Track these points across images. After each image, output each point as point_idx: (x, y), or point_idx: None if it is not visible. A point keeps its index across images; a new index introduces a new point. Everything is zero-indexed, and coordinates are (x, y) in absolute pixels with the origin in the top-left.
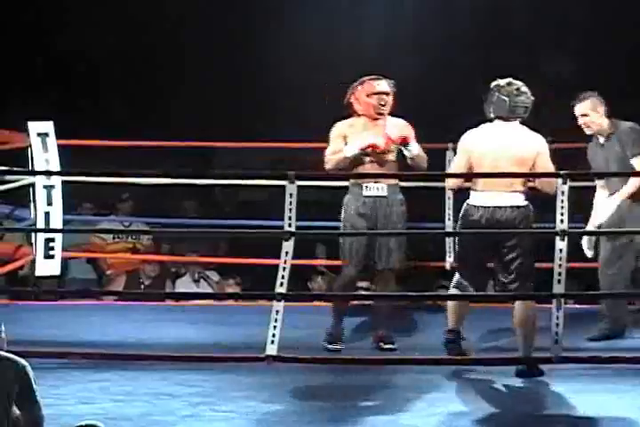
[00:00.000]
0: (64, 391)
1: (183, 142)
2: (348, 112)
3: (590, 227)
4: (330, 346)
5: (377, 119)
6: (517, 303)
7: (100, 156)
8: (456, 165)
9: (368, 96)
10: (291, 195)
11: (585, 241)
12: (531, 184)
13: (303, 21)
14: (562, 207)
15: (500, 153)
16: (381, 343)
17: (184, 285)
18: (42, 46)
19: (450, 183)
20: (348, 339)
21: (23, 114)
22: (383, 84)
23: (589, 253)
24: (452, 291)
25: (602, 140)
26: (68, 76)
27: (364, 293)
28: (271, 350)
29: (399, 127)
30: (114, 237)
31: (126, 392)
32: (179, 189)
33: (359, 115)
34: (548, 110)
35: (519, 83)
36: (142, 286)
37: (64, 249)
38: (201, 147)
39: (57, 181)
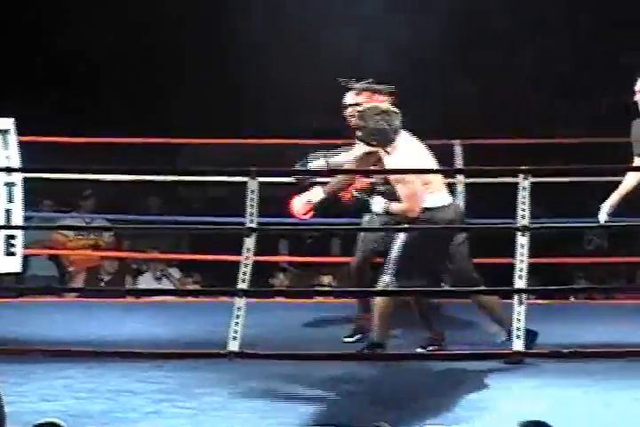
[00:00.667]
0: (26, 389)
1: (149, 139)
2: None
3: None
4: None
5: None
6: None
7: (77, 154)
8: None
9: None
10: (252, 191)
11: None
12: None
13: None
14: (523, 203)
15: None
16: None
17: (146, 281)
18: (42, 46)
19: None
20: (317, 333)
21: (22, 114)
22: (345, 97)
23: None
24: None
25: None
26: (68, 76)
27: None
28: (233, 346)
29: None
30: (76, 234)
31: (89, 389)
32: (143, 186)
33: None
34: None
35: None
36: (102, 283)
37: (25, 246)
38: (166, 143)
39: (18, 178)
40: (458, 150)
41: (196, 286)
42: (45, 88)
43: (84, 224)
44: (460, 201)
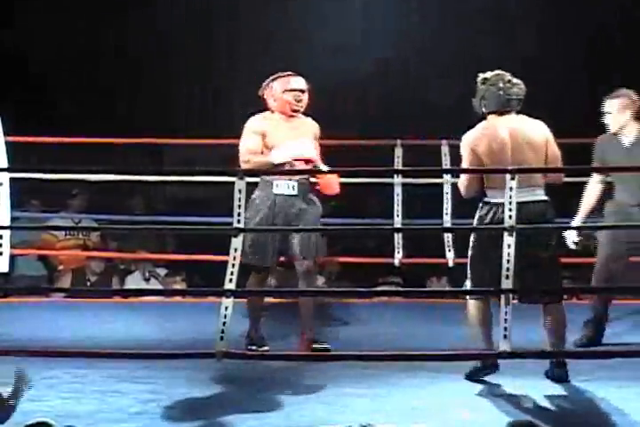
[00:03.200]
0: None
1: (133, 139)
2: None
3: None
4: (253, 348)
5: (291, 116)
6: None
7: (46, 154)
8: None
9: (283, 92)
10: (240, 191)
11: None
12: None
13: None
14: (510, 203)
15: (513, 147)
16: (315, 345)
17: (134, 281)
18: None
19: (467, 187)
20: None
21: None
22: (299, 81)
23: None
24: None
25: (626, 141)
26: (18, 74)
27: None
28: (220, 346)
29: (309, 128)
30: (65, 234)
31: (75, 390)
32: (129, 186)
33: (272, 111)
34: None
35: (507, 74)
36: (88, 283)
37: (12, 246)
38: (151, 143)
39: (5, 178)
40: (445, 150)
41: (182, 284)
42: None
43: (73, 224)
44: (448, 201)
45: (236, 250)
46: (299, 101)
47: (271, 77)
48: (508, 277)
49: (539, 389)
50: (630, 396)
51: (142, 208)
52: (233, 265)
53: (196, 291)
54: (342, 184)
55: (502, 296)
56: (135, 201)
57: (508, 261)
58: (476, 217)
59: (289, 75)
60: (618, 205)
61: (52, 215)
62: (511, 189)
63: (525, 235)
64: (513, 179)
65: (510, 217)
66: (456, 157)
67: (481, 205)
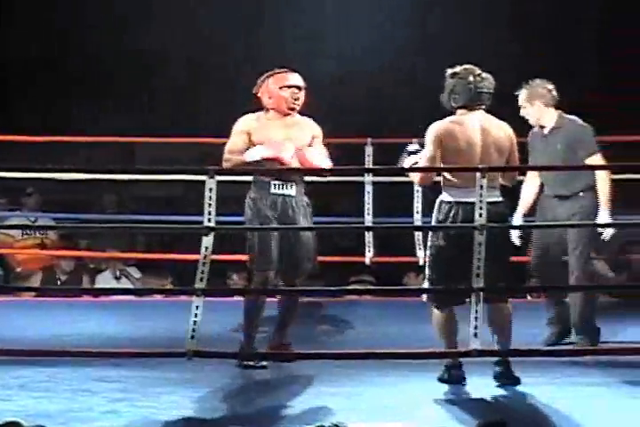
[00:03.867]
0: None
1: (105, 138)
2: (256, 105)
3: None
4: (250, 364)
5: (287, 114)
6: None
7: (12, 152)
8: (429, 158)
9: (280, 89)
10: (210, 190)
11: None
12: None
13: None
14: (480, 202)
15: (482, 145)
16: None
17: (105, 280)
18: None
19: (420, 178)
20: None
21: None
22: (297, 78)
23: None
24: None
25: (546, 132)
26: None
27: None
28: (191, 345)
29: (305, 128)
30: (23, 234)
31: (46, 389)
32: (99, 184)
33: (268, 109)
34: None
35: (476, 68)
36: (59, 282)
37: None
38: (123, 141)
39: None
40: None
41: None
42: None
43: (29, 223)
44: (419, 199)
45: (206, 249)
46: (296, 99)
47: (266, 74)
48: (478, 275)
49: (510, 387)
50: (601, 393)
51: (115, 206)
52: (204, 264)
53: (166, 290)
54: (314, 182)
55: (473, 295)
56: (107, 199)
57: (479, 259)
58: (434, 217)
59: (285, 71)
60: (543, 199)
61: (8, 214)
62: (482, 187)
63: (488, 235)
64: (484, 177)
65: (481, 215)
66: None
67: (439, 203)
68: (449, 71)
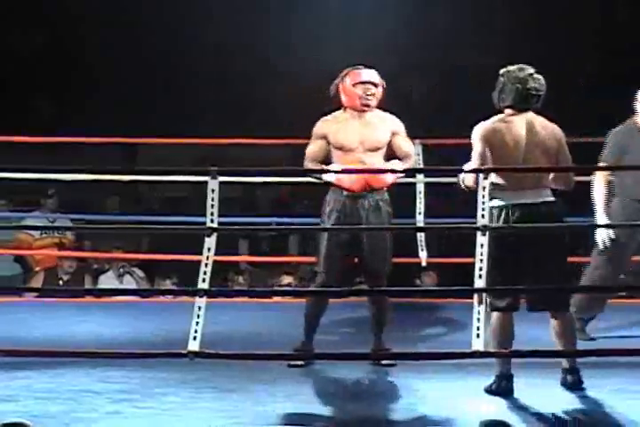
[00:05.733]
0: None
1: (108, 138)
2: (334, 106)
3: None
4: (299, 363)
5: (363, 111)
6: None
7: (21, 153)
8: (477, 161)
9: (353, 86)
10: (213, 191)
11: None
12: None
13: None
14: (483, 203)
15: (527, 145)
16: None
17: (107, 281)
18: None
19: (469, 181)
20: (277, 333)
21: None
22: (371, 74)
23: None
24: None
25: None
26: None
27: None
28: (194, 346)
29: (385, 124)
30: (41, 233)
31: (49, 390)
32: (103, 185)
33: (345, 108)
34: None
35: (530, 67)
36: (61, 282)
37: None
38: (125, 143)
39: None
40: (418, 150)
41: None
42: None
43: (48, 223)
44: (421, 200)
45: (209, 249)
46: (370, 95)
47: (342, 72)
48: (480, 276)
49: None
50: (600, 394)
51: (119, 208)
52: (206, 265)
53: (168, 290)
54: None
55: (475, 296)
56: (111, 200)
57: (481, 260)
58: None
59: (359, 67)
60: (626, 203)
61: (26, 215)
62: (484, 188)
63: (533, 238)
64: (486, 178)
65: (483, 216)
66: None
67: (489, 210)
68: (501, 70)
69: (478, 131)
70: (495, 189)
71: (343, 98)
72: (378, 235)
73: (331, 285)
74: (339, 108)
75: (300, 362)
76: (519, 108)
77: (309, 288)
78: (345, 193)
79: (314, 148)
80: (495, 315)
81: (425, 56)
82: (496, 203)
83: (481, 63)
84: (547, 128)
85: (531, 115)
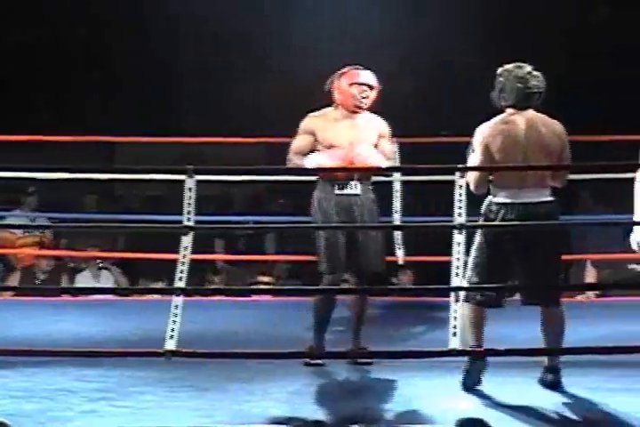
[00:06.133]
0: None
1: (85, 137)
2: (324, 103)
3: None
4: (312, 362)
5: (354, 112)
6: None
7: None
8: (480, 161)
9: (350, 85)
10: (190, 189)
11: None
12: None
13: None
14: (460, 201)
15: (528, 144)
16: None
17: (84, 280)
18: None
19: (475, 181)
20: (254, 331)
21: None
22: (368, 76)
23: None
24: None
25: None
26: None
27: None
28: (170, 345)
29: (371, 126)
30: (24, 232)
31: (25, 389)
32: (81, 184)
33: (337, 105)
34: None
35: (527, 65)
36: (37, 281)
37: None
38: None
39: None
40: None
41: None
42: None
43: (30, 222)
44: (398, 199)
45: (185, 248)
46: (364, 97)
47: (341, 70)
48: (457, 274)
49: (489, 386)
50: (577, 392)
51: (95, 206)
52: (182, 263)
53: (145, 289)
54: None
55: (452, 294)
56: (89, 199)
57: (458, 259)
58: (484, 218)
59: (358, 68)
60: None
61: (6, 213)
62: (461, 186)
63: (526, 236)
64: (462, 177)
65: (460, 215)
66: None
67: (488, 204)
68: (499, 69)
69: (479, 136)
70: (497, 187)
71: (337, 96)
72: (372, 232)
73: (337, 284)
74: (329, 105)
75: (318, 361)
76: (520, 106)
77: (290, 287)
78: (336, 191)
79: (300, 142)
80: (469, 307)
81: (412, 55)
82: (497, 199)
83: (466, 62)
84: (548, 126)
85: (532, 113)
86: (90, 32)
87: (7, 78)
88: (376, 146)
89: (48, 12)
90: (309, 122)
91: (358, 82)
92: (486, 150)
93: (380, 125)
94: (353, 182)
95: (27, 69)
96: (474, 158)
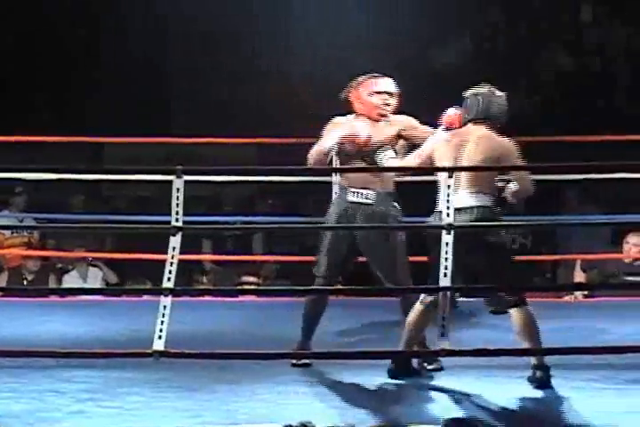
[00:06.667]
0: None
1: (74, 137)
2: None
3: None
4: (299, 363)
5: (377, 120)
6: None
7: None
8: (417, 159)
9: (370, 95)
10: (178, 190)
11: None
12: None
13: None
14: (447, 201)
15: (463, 158)
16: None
17: (72, 280)
18: None
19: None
20: (242, 332)
21: None
22: (388, 83)
23: None
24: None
25: None
26: None
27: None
28: (158, 345)
29: (393, 127)
30: (12, 233)
31: (12, 389)
32: (68, 184)
33: (358, 114)
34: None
35: (493, 87)
36: (25, 282)
37: None
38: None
39: None
40: None
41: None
42: None
43: (18, 222)
44: None
45: (174, 249)
46: (387, 105)
47: (358, 79)
48: (445, 275)
49: (477, 386)
50: (564, 392)
51: (82, 206)
52: (171, 264)
53: (134, 289)
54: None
55: (440, 294)
56: (76, 199)
57: (447, 259)
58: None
59: (377, 76)
60: None
61: None
62: (449, 186)
63: (465, 240)
64: (450, 177)
65: (448, 215)
66: None
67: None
68: (469, 91)
69: (435, 137)
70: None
71: (357, 106)
72: (380, 245)
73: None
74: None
75: (305, 361)
76: (476, 121)
77: (278, 287)
78: (348, 198)
79: (322, 142)
80: (421, 308)
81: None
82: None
83: (445, 62)
84: (492, 142)
85: (484, 130)
86: (90, 32)
87: (7, 78)
88: (406, 140)
89: (48, 12)
90: (333, 124)
91: (379, 91)
92: (429, 154)
93: (401, 122)
94: (366, 191)
95: (27, 69)
96: (419, 151)
